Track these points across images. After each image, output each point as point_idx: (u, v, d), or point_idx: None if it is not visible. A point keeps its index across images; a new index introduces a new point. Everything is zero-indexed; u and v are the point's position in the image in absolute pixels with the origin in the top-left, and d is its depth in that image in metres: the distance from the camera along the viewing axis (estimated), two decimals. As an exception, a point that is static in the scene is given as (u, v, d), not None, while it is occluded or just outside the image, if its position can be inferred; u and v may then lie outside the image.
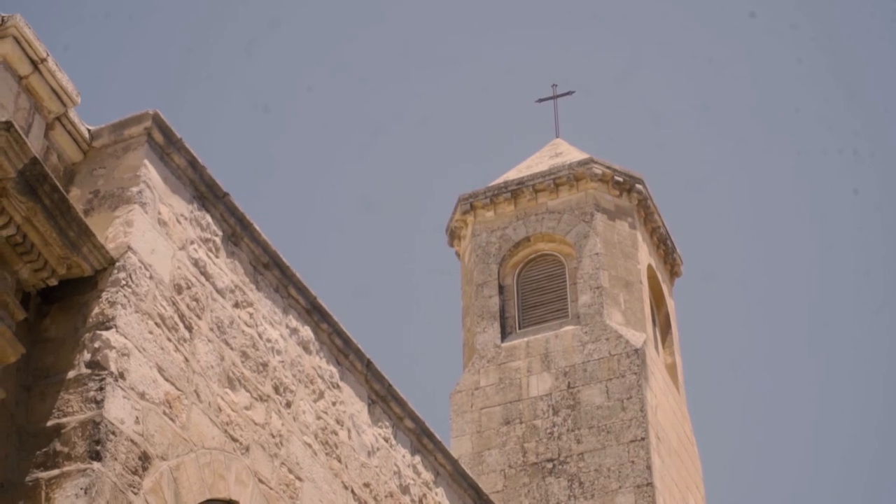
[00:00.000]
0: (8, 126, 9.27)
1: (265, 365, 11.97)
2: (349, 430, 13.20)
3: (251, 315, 11.98)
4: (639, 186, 24.75)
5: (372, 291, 53.53)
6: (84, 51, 50.85)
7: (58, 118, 10.93)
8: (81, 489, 9.28)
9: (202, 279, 11.35)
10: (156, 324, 10.55)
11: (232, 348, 11.54)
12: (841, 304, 54.13)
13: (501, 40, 56.36)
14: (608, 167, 24.62)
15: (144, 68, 53.40)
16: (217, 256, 11.68)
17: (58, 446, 9.57)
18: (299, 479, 12.07)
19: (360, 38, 55.87)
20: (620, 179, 24.60)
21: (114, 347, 9.94)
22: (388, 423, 14.09)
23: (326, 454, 12.65)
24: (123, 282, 10.30)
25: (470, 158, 54.10)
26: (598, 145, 54.52)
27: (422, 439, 14.70)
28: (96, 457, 9.45)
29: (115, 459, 9.60)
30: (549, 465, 21.55)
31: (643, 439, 21.19)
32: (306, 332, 12.86)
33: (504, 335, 23.62)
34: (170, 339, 10.68)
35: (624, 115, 55.65)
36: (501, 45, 56.88)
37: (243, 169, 54.21)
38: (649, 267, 24.80)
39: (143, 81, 51.97)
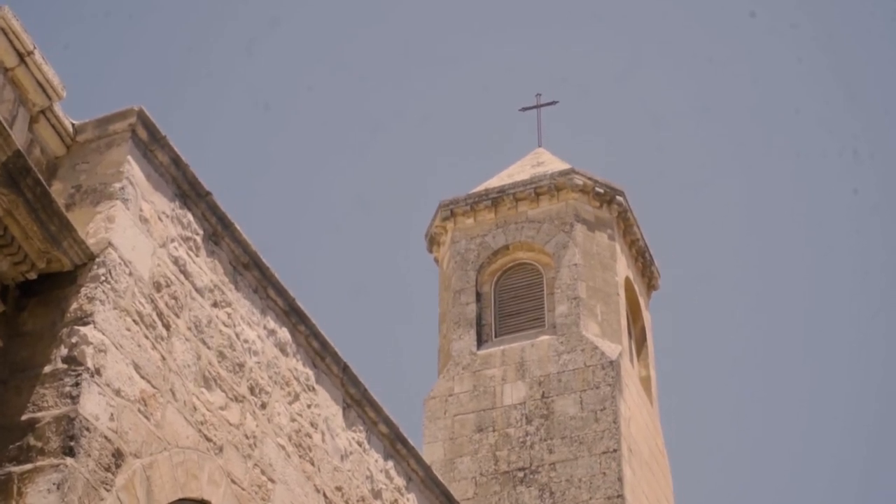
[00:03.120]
0: (-8, 118, 9.26)
1: (241, 365, 11.95)
2: (323, 434, 13.19)
3: (229, 315, 11.96)
4: (619, 198, 24.80)
5: (367, 291, 53.74)
6: (84, 49, 50.98)
7: (42, 111, 10.90)
8: (54, 484, 9.26)
9: (181, 278, 11.33)
10: (134, 321, 10.52)
11: (209, 348, 11.52)
12: (839, 307, 54.29)
13: (501, 40, 56.53)
14: (589, 178, 24.66)
15: (145, 67, 53.57)
16: (197, 255, 11.66)
17: (31, 441, 9.53)
18: (272, 480, 12.06)
19: (360, 38, 56.00)
20: (601, 191, 24.64)
21: (91, 343, 9.92)
22: (362, 428, 14.08)
23: (300, 457, 12.64)
24: (103, 278, 10.28)
25: (467, 160, 54.03)
26: (582, 154, 54.70)
27: (395, 444, 14.69)
28: (70, 452, 9.42)
29: (89, 456, 9.57)
30: (521, 474, 21.55)
31: (615, 451, 21.21)
32: (284, 333, 12.85)
33: (480, 343, 23.62)
34: (147, 337, 10.65)
35: (623, 116, 55.94)
36: (501, 44, 57.05)
37: (243, 167, 54.43)
38: (627, 279, 24.83)
39: (144, 80, 52.16)
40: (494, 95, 55.05)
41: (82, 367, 9.80)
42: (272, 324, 12.68)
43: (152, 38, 53.32)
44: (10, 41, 10.50)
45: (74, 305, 10.16)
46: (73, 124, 11.19)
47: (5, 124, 9.49)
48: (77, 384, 9.71)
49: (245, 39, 55.07)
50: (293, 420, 12.65)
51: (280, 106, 55.05)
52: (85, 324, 10.02)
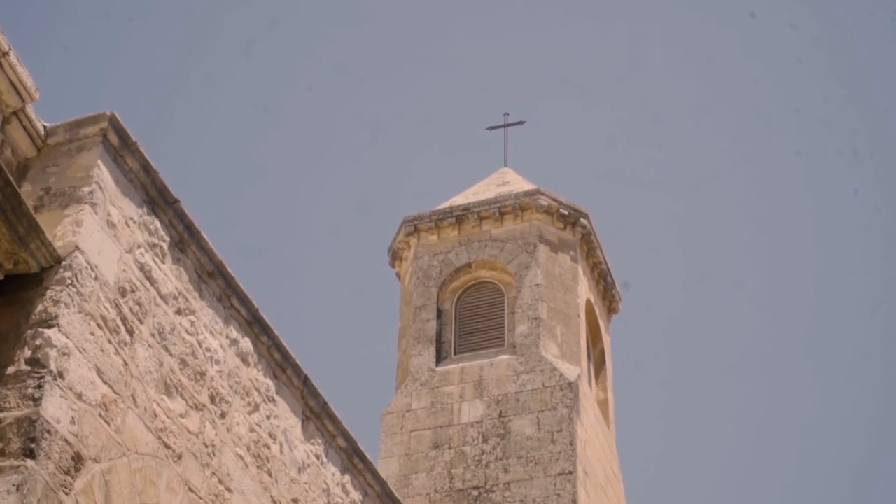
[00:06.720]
0: (-35, 117, 9.25)
1: (203, 374, 11.95)
2: (281, 445, 13.20)
3: (192, 323, 11.97)
4: (583, 221, 24.89)
5: (332, 302, 53.71)
6: (84, 50, 50.93)
7: (15, 113, 10.89)
8: (13, 486, 9.24)
9: (147, 284, 11.34)
10: (98, 325, 10.52)
11: (171, 355, 11.52)
12: (839, 306, 54.46)
13: (501, 39, 56.63)
14: (554, 199, 24.74)
15: (144, 68, 53.51)
16: (163, 262, 11.67)
17: (-8, 442, 9.53)
18: (229, 490, 12.06)
19: (360, 38, 55.98)
20: (565, 212, 24.72)
21: (55, 346, 9.91)
22: (320, 441, 14.10)
23: (257, 467, 12.64)
24: (69, 281, 10.27)
25: (465, 162, 53.99)
26: (552, 169, 54.88)
27: (352, 459, 14.71)
28: (30, 454, 9.40)
29: (49, 458, 9.56)
30: (475, 493, 21.57)
31: (571, 473, 21.26)
32: (246, 343, 12.86)
33: (439, 359, 23.65)
34: (110, 342, 10.65)
35: (623, 117, 56.05)
36: (501, 43, 57.12)
37: (242, 168, 54.37)
38: (588, 302, 24.91)
39: (143, 81, 52.14)
40: (494, 96, 55.10)
41: (45, 370, 9.79)
42: (235, 333, 12.69)
43: (152, 39, 53.43)
44: (-15, 41, 10.50)
45: (40, 308, 10.15)
46: (44, 126, 11.19)
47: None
48: (40, 386, 9.70)
49: (244, 40, 55.11)
50: (252, 430, 12.66)
51: (279, 107, 55.13)
52: (49, 326, 10.01)
